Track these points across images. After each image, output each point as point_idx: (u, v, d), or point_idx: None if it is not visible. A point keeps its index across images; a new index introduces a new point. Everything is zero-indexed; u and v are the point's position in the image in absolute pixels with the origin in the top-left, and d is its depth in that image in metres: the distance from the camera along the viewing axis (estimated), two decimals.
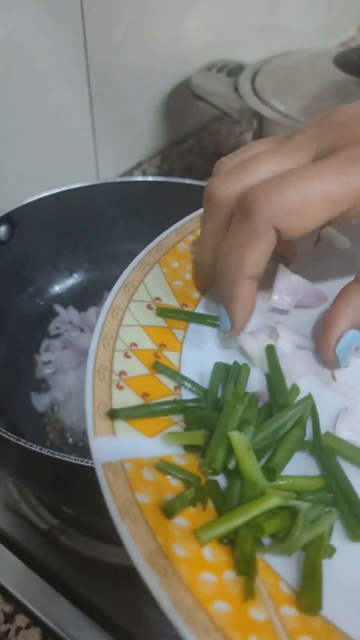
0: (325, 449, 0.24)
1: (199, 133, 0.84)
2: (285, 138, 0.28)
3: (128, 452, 0.23)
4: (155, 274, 0.31)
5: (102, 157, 0.71)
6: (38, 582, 0.43)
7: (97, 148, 0.70)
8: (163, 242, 0.33)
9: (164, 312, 0.29)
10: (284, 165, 0.26)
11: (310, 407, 0.26)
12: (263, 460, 0.24)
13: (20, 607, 0.42)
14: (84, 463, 0.34)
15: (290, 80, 0.65)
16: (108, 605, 0.42)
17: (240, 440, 0.23)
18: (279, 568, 0.20)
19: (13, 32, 0.55)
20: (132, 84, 0.71)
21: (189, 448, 0.24)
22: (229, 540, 0.21)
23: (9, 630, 0.40)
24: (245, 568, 0.20)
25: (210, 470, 0.23)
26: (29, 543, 0.46)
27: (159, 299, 0.30)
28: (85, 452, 0.49)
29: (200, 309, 0.31)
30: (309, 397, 0.26)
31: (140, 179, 0.60)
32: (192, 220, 0.35)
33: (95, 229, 0.60)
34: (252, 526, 0.21)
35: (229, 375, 0.27)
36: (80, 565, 0.44)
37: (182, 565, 0.19)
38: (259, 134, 0.64)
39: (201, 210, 0.34)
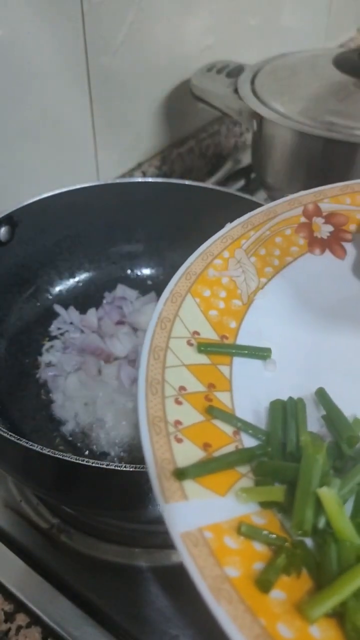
0: None
1: (199, 134, 0.84)
2: None
3: (204, 517, 0.21)
4: (188, 305, 0.30)
5: (102, 158, 0.71)
6: (38, 581, 0.43)
7: (97, 149, 0.70)
8: (190, 268, 0.32)
9: (206, 348, 0.29)
10: None
11: None
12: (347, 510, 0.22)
13: (20, 606, 0.42)
14: (84, 462, 0.34)
15: (290, 81, 0.65)
16: (108, 604, 0.42)
17: (331, 497, 0.21)
18: None
19: (13, 33, 0.55)
20: (132, 85, 0.71)
21: (265, 504, 0.23)
22: (335, 613, 0.20)
23: (9, 629, 0.41)
24: None
25: (300, 532, 0.21)
26: (30, 542, 0.46)
27: (197, 333, 0.29)
28: (85, 452, 0.49)
29: (240, 340, 0.30)
30: None
31: (140, 179, 0.60)
32: (215, 243, 0.34)
33: (95, 230, 0.60)
34: None
35: (285, 413, 0.26)
36: (80, 565, 0.44)
37: None
38: (258, 135, 0.65)
39: (223, 231, 0.34)
